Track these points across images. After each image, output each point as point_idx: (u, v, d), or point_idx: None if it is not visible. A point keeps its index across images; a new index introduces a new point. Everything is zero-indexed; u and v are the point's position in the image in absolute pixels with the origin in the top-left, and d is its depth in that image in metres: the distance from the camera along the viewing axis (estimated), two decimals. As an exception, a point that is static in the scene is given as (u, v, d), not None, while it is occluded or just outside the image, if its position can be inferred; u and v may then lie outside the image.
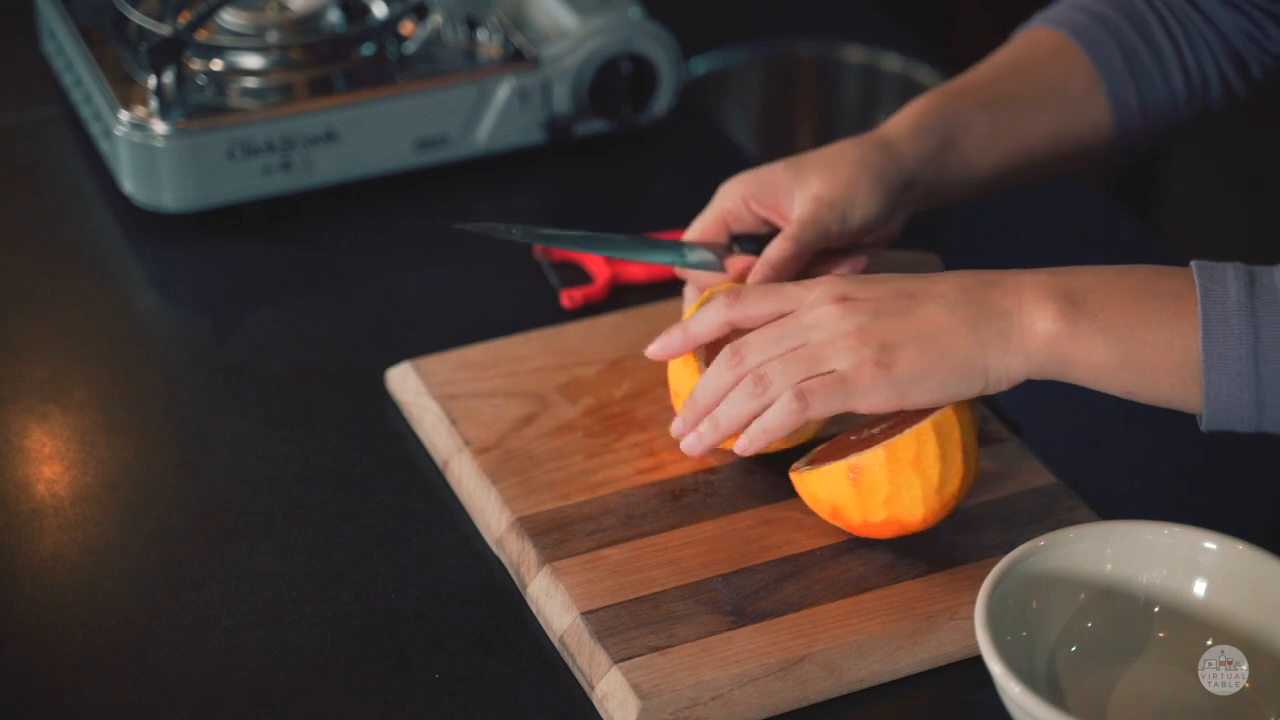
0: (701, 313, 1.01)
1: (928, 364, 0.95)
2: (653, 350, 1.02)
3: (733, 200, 1.11)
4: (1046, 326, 0.94)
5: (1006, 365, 0.95)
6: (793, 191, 1.09)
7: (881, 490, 0.96)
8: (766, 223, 1.11)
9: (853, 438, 1.00)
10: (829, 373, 0.95)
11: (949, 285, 0.97)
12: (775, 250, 1.07)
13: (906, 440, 0.95)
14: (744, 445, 0.98)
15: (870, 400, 0.95)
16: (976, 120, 1.14)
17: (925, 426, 0.96)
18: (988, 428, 1.08)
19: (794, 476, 1.00)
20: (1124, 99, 1.16)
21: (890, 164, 1.10)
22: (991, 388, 0.95)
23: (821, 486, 0.98)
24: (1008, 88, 1.16)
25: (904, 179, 1.11)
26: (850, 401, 0.95)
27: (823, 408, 0.96)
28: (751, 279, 1.07)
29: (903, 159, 1.11)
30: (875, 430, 1.00)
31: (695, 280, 1.12)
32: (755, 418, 0.97)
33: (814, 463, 1.00)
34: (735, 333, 1.01)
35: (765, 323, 0.99)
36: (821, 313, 0.97)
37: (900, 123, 1.13)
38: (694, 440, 1.00)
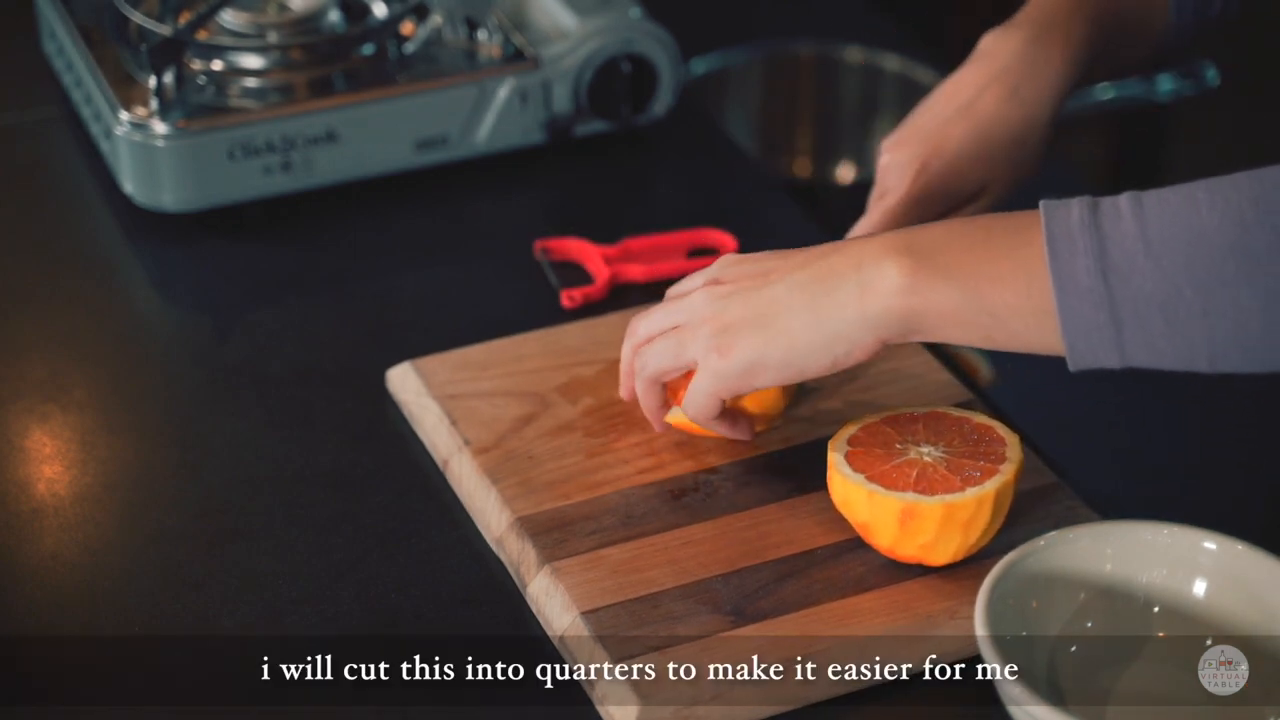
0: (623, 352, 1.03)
1: (763, 345, 0.95)
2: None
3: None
4: (888, 282, 0.91)
5: (850, 335, 0.93)
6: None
7: (924, 537, 0.96)
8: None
9: (896, 443, 0.99)
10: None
11: (799, 259, 0.96)
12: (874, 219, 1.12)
13: (967, 503, 0.95)
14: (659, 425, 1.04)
15: (718, 386, 0.97)
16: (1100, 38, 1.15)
17: (989, 494, 0.95)
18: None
19: (836, 475, 0.98)
20: None
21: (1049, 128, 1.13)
22: (843, 360, 0.94)
23: (864, 508, 0.97)
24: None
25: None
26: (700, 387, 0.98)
27: (684, 396, 0.99)
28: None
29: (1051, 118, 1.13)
30: (919, 426, 1.00)
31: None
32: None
33: (859, 465, 0.98)
34: None
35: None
36: (693, 297, 0.98)
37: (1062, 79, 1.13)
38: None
